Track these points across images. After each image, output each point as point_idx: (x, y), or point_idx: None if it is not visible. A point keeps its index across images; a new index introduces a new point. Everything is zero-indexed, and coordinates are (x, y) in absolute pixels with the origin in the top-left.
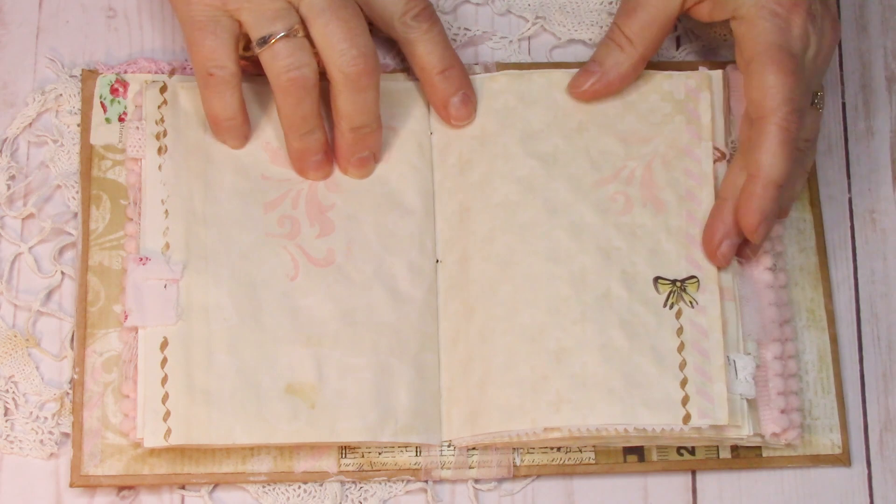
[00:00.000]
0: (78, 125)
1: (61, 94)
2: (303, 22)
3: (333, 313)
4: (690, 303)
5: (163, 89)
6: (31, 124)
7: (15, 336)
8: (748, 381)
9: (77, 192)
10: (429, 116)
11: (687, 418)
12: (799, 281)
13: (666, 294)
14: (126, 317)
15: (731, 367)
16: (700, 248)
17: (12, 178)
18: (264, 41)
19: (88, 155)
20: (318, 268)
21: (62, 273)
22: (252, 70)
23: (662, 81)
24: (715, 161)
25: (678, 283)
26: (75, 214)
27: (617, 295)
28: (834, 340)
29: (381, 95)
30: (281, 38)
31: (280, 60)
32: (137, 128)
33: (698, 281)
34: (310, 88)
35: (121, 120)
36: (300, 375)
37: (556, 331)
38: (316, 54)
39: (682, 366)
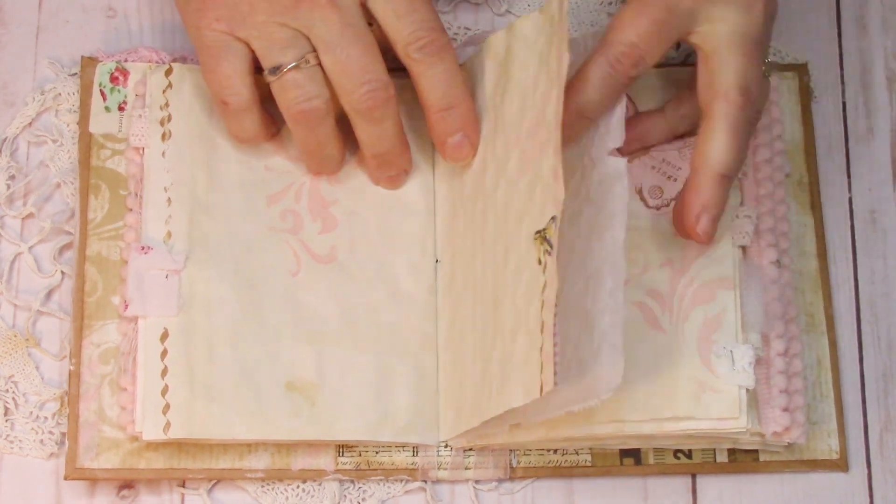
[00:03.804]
0: (77, 122)
1: (60, 94)
2: (315, 49)
3: (335, 311)
4: (547, 251)
5: (168, 72)
6: (30, 124)
7: (15, 336)
8: (746, 370)
9: (76, 188)
10: None
11: (541, 389)
12: (798, 285)
13: (537, 250)
14: (126, 306)
15: (728, 358)
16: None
17: (12, 177)
18: (275, 70)
19: (87, 143)
20: (320, 264)
21: (62, 273)
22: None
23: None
24: None
25: (540, 233)
26: (74, 212)
27: (528, 266)
28: (833, 345)
29: None
30: (291, 68)
31: (290, 92)
32: (140, 116)
33: (556, 219)
34: (322, 118)
35: (120, 109)
36: (301, 373)
37: (514, 323)
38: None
39: (542, 328)
